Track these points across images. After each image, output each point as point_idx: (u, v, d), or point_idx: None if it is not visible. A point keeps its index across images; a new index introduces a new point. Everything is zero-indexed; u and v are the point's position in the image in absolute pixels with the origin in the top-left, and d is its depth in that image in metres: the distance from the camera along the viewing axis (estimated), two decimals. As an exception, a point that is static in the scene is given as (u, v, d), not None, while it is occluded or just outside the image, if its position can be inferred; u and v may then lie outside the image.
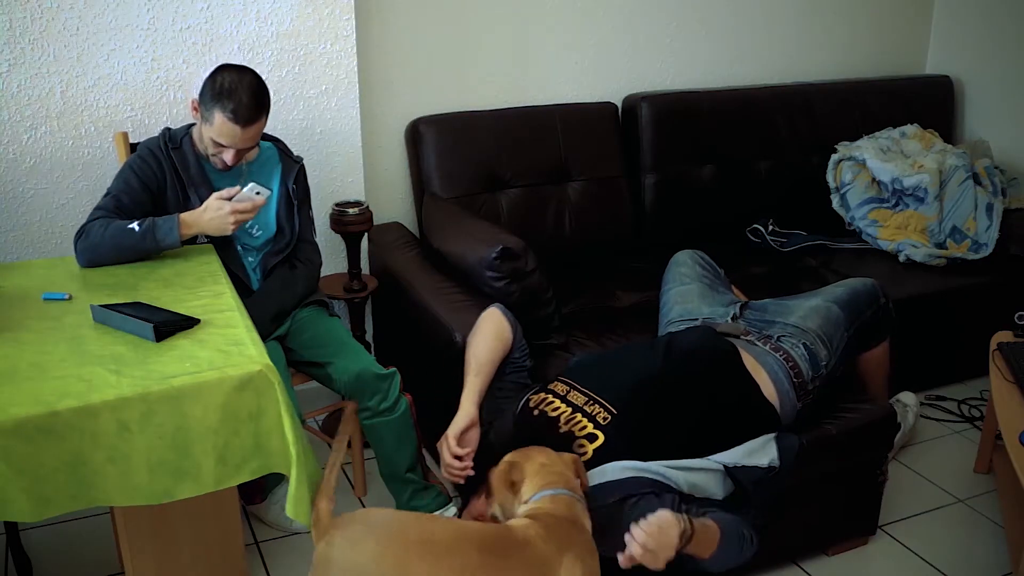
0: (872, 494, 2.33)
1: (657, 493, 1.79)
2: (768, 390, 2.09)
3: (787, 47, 3.65)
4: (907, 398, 2.83)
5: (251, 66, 2.57)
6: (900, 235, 3.23)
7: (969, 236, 3.22)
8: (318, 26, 2.67)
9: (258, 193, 2.10)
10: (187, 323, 1.74)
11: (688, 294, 2.44)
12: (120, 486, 1.52)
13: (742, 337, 2.23)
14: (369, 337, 2.98)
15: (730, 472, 1.89)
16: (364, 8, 2.82)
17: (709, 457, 1.91)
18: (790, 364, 2.14)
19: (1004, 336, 2.54)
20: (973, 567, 2.31)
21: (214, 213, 2.08)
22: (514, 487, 1.73)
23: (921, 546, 2.38)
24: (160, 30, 2.50)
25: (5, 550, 2.23)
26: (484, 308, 2.36)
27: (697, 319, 2.37)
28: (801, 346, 2.19)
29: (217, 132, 2.13)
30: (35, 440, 1.44)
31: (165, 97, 2.56)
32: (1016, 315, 2.55)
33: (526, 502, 1.69)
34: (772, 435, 1.99)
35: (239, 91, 2.10)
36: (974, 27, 3.80)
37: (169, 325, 1.71)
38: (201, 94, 2.14)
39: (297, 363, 2.34)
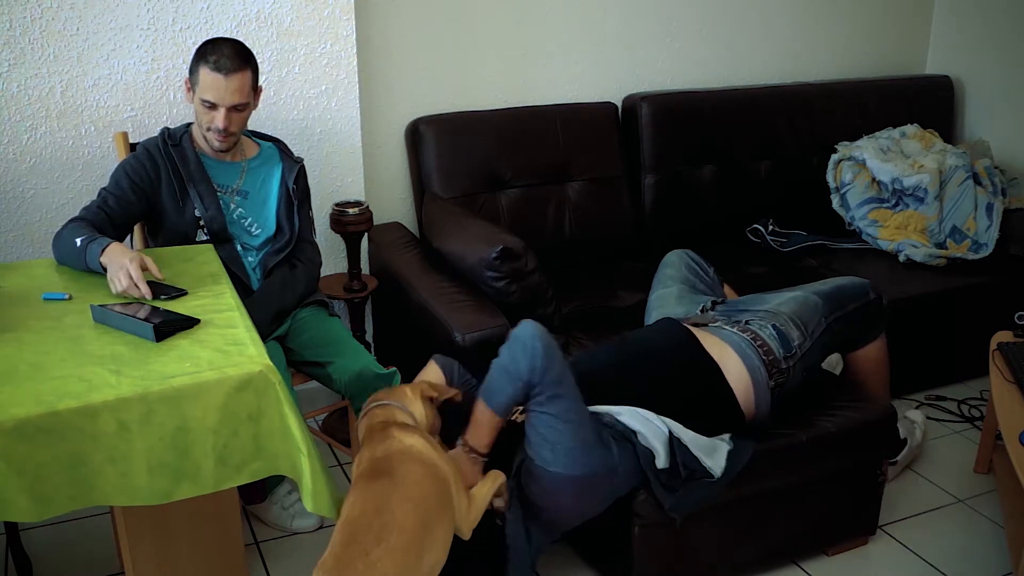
0: (872, 494, 2.33)
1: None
2: (736, 367, 2.09)
3: (787, 47, 3.65)
4: (914, 415, 2.80)
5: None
6: (900, 235, 3.23)
7: (969, 236, 3.22)
8: (318, 26, 2.67)
9: (163, 297, 1.88)
10: (187, 323, 1.74)
11: (666, 297, 2.44)
12: (120, 486, 1.52)
13: (709, 325, 2.23)
14: (369, 337, 2.98)
15: (672, 442, 1.94)
16: (364, 8, 2.82)
17: (664, 419, 1.96)
18: (758, 343, 2.13)
19: (1004, 336, 2.54)
20: (973, 567, 2.31)
21: (120, 266, 1.87)
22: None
23: (921, 546, 2.38)
24: (160, 30, 2.50)
25: (5, 550, 2.23)
26: (484, 308, 2.37)
27: None
28: (770, 327, 2.17)
29: (203, 89, 2.16)
30: (35, 440, 1.44)
31: (165, 97, 2.56)
32: (1016, 315, 2.55)
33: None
34: (729, 442, 2.02)
35: (220, 45, 2.18)
36: (974, 27, 3.80)
37: (169, 325, 1.71)
38: (189, 68, 2.19)
39: (297, 363, 2.34)
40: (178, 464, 1.55)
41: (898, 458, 2.58)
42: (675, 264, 2.55)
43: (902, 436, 2.61)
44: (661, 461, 1.92)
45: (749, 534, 2.18)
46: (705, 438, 2.00)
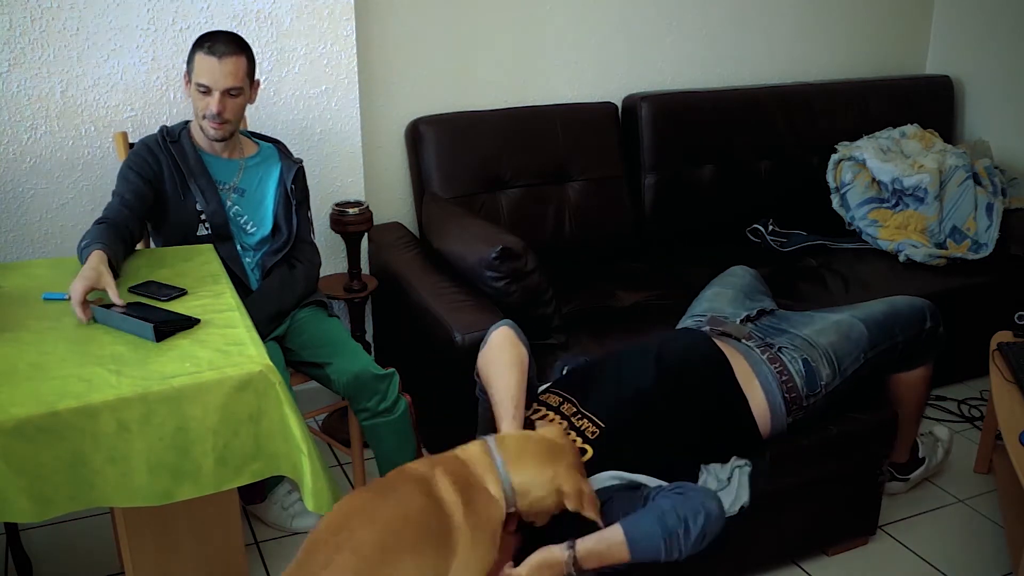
0: (872, 494, 2.33)
1: (633, 488, 1.80)
2: (758, 400, 2.05)
3: (787, 47, 3.65)
4: (941, 432, 2.69)
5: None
6: (900, 235, 3.23)
7: (969, 236, 3.22)
8: (318, 26, 2.67)
9: (163, 297, 1.87)
10: (187, 323, 1.74)
11: (722, 295, 2.40)
12: (120, 487, 1.52)
13: (742, 340, 2.17)
14: (369, 337, 2.98)
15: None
16: (364, 8, 2.82)
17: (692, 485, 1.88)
18: (784, 378, 2.07)
19: (1004, 336, 2.54)
20: (973, 567, 2.31)
21: (85, 273, 1.80)
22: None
23: (921, 546, 2.38)
24: (160, 30, 2.50)
25: (5, 550, 2.23)
26: (484, 308, 2.36)
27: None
28: (800, 361, 2.10)
29: (198, 73, 2.18)
30: (35, 440, 1.44)
31: (165, 97, 2.56)
32: (1016, 315, 2.55)
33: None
34: (747, 469, 1.97)
35: (216, 34, 2.22)
36: (974, 27, 3.80)
37: (169, 325, 1.71)
38: (187, 60, 2.23)
39: (296, 363, 2.33)
40: (178, 464, 1.55)
41: (910, 477, 2.54)
42: (740, 273, 2.51)
43: (920, 455, 2.55)
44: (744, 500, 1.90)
45: (749, 534, 2.18)
46: (731, 486, 1.94)
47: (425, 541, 1.54)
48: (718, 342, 2.13)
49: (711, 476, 1.95)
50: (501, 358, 1.96)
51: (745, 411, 2.03)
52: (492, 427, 1.91)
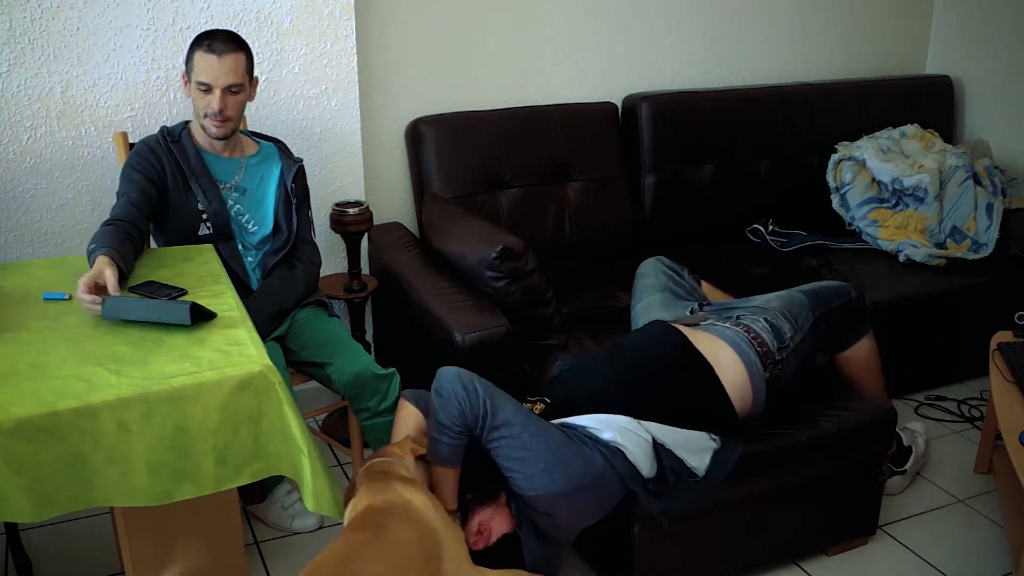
0: (872, 494, 2.33)
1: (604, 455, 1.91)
2: (731, 360, 2.09)
3: (787, 47, 3.65)
4: (915, 425, 2.78)
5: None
6: (900, 235, 3.23)
7: (969, 236, 3.22)
8: (318, 26, 2.67)
9: (163, 297, 1.84)
10: (211, 313, 1.75)
11: (652, 305, 2.44)
12: (120, 487, 1.52)
13: (701, 324, 2.23)
14: (369, 337, 2.98)
15: (657, 449, 1.94)
16: (364, 8, 2.82)
17: (646, 424, 1.96)
18: (751, 335, 2.13)
19: (1004, 336, 2.54)
20: (973, 567, 2.31)
21: (89, 272, 1.83)
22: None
23: (921, 546, 2.38)
24: (160, 30, 2.50)
25: (5, 550, 2.23)
26: (484, 308, 2.37)
27: None
28: (762, 319, 2.18)
29: (198, 72, 2.18)
30: (35, 440, 1.44)
31: (165, 97, 2.56)
32: (1016, 315, 2.55)
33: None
34: (715, 442, 2.02)
35: (213, 32, 2.23)
36: (974, 27, 3.80)
37: (199, 308, 1.71)
38: (185, 60, 2.23)
39: (296, 363, 2.34)
40: (178, 464, 1.55)
41: (906, 467, 2.57)
42: (652, 273, 2.55)
43: (906, 444, 2.59)
44: (646, 470, 1.92)
45: (749, 534, 2.18)
46: (692, 434, 2.00)
47: (427, 569, 1.65)
48: (676, 326, 2.20)
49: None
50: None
51: (713, 379, 2.07)
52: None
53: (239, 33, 2.26)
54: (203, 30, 2.24)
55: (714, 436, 2.03)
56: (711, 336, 2.15)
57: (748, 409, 2.10)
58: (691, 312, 2.36)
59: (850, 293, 2.37)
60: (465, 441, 1.89)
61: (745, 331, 2.15)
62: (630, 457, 1.91)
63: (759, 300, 2.32)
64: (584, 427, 1.95)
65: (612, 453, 1.91)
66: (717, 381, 2.07)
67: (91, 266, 1.87)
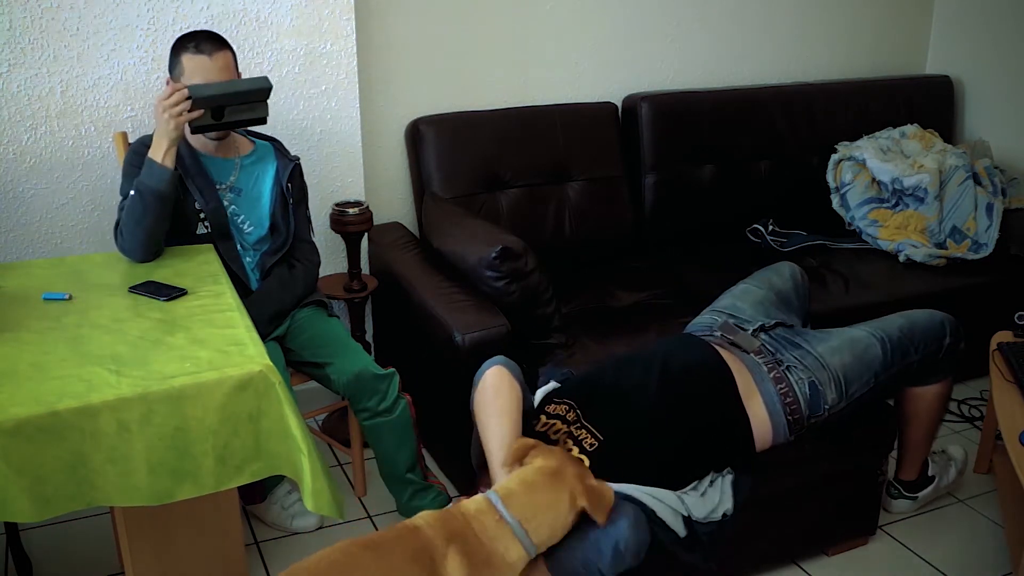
0: (872, 494, 2.33)
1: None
2: (761, 417, 2.04)
3: (787, 47, 3.65)
4: (956, 451, 2.62)
5: (251, 66, 2.59)
6: (900, 235, 3.23)
7: (969, 236, 3.22)
8: (318, 26, 2.67)
9: (163, 297, 1.90)
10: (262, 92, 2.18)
11: (750, 294, 2.36)
12: (120, 486, 1.52)
13: (751, 354, 2.13)
14: (369, 337, 2.98)
15: (691, 524, 1.87)
16: (364, 8, 2.82)
17: (679, 494, 1.90)
18: (788, 399, 2.05)
19: (1004, 336, 2.54)
20: (973, 567, 2.31)
21: (158, 123, 2.10)
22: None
23: (921, 546, 2.38)
24: (160, 30, 2.50)
25: (5, 550, 2.23)
26: (484, 308, 2.36)
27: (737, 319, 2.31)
28: (807, 383, 2.07)
29: (189, 74, 2.17)
30: (35, 440, 1.44)
31: (165, 97, 2.56)
32: (1016, 315, 2.55)
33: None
34: (730, 480, 1.97)
35: (195, 34, 2.22)
36: (974, 27, 3.80)
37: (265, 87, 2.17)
38: (169, 66, 2.22)
39: (296, 363, 2.34)
40: (178, 464, 1.55)
41: (918, 496, 2.48)
42: (784, 275, 2.46)
43: (930, 474, 2.49)
44: (680, 531, 1.85)
45: (749, 534, 2.18)
46: (711, 493, 1.94)
47: None
48: (724, 353, 2.11)
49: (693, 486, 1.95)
50: (494, 404, 1.90)
51: (745, 428, 2.02)
52: (483, 458, 1.90)
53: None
54: (180, 36, 2.24)
55: (724, 474, 1.98)
56: (751, 384, 2.06)
57: (764, 448, 2.08)
58: (756, 330, 2.23)
59: (944, 339, 2.19)
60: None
61: (784, 392, 2.05)
62: (672, 526, 1.83)
63: (827, 344, 2.15)
64: (636, 498, 1.82)
65: (656, 524, 1.81)
66: (749, 431, 2.02)
67: (152, 176, 2.09)
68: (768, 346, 2.18)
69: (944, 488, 2.55)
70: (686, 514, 1.87)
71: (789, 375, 2.09)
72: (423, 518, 1.59)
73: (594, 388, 2.05)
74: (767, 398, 2.05)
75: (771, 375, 2.08)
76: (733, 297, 2.39)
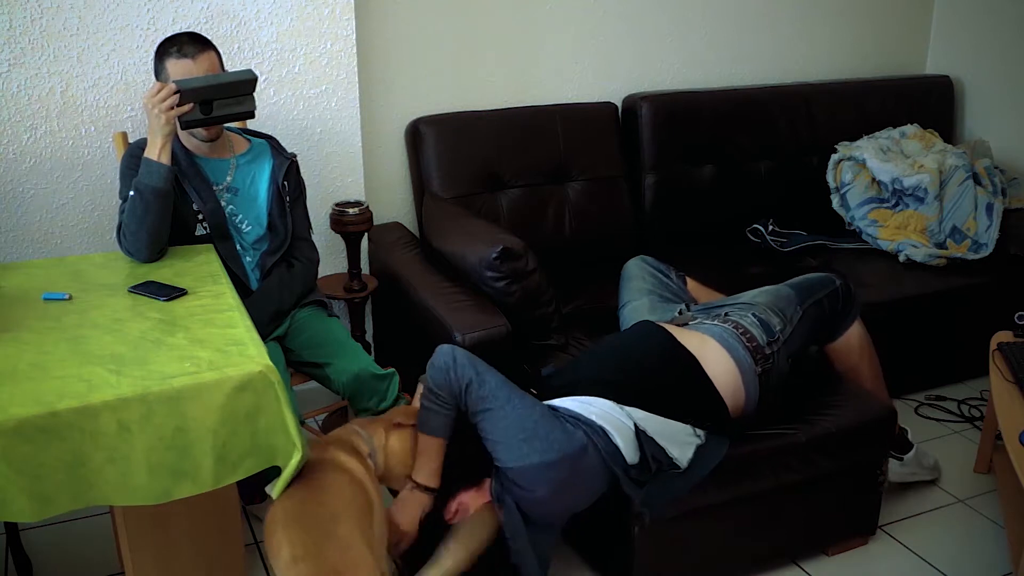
0: (872, 494, 2.33)
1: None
2: (719, 356, 2.10)
3: (787, 47, 3.65)
4: (928, 452, 2.68)
5: (251, 66, 2.59)
6: (900, 235, 3.23)
7: (969, 236, 3.22)
8: (318, 26, 2.67)
9: (163, 297, 1.92)
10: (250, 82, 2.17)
11: (639, 309, 2.43)
12: (120, 486, 1.52)
13: (689, 324, 2.24)
14: (369, 337, 2.98)
15: (639, 436, 1.95)
16: (364, 8, 2.82)
17: (628, 409, 1.96)
18: (740, 331, 2.14)
19: (1004, 336, 2.54)
20: (973, 567, 2.31)
21: (150, 120, 2.12)
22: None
23: (921, 546, 2.38)
24: (160, 30, 2.49)
25: (5, 550, 2.23)
26: (484, 308, 2.36)
27: None
28: (750, 315, 2.19)
29: (174, 79, 2.16)
30: (35, 440, 1.44)
31: (165, 97, 2.56)
32: (1016, 315, 2.55)
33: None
34: (699, 438, 2.03)
35: (176, 37, 2.21)
36: (974, 27, 3.80)
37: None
38: (154, 71, 2.22)
39: (296, 363, 2.33)
40: (178, 464, 1.55)
41: (904, 458, 2.52)
42: (637, 275, 2.54)
43: (911, 440, 2.54)
44: (629, 456, 1.93)
45: (749, 534, 2.18)
46: (675, 424, 2.01)
47: (365, 515, 1.74)
48: (672, 329, 2.20)
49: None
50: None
51: (699, 373, 2.07)
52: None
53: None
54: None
55: (699, 431, 2.04)
56: (698, 334, 2.16)
57: (741, 406, 2.11)
58: (679, 313, 2.36)
59: (835, 281, 2.38)
60: (452, 413, 1.92)
61: (734, 327, 2.16)
62: (612, 438, 1.92)
63: (746, 296, 2.32)
64: (567, 408, 1.97)
65: (594, 431, 1.92)
66: (703, 375, 2.07)
67: (152, 175, 2.10)
68: (698, 314, 2.33)
69: (928, 466, 2.60)
70: (640, 427, 1.96)
71: (731, 317, 2.22)
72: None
73: (562, 378, 2.13)
74: (719, 338, 2.14)
75: (715, 322, 2.21)
76: (631, 319, 2.43)
